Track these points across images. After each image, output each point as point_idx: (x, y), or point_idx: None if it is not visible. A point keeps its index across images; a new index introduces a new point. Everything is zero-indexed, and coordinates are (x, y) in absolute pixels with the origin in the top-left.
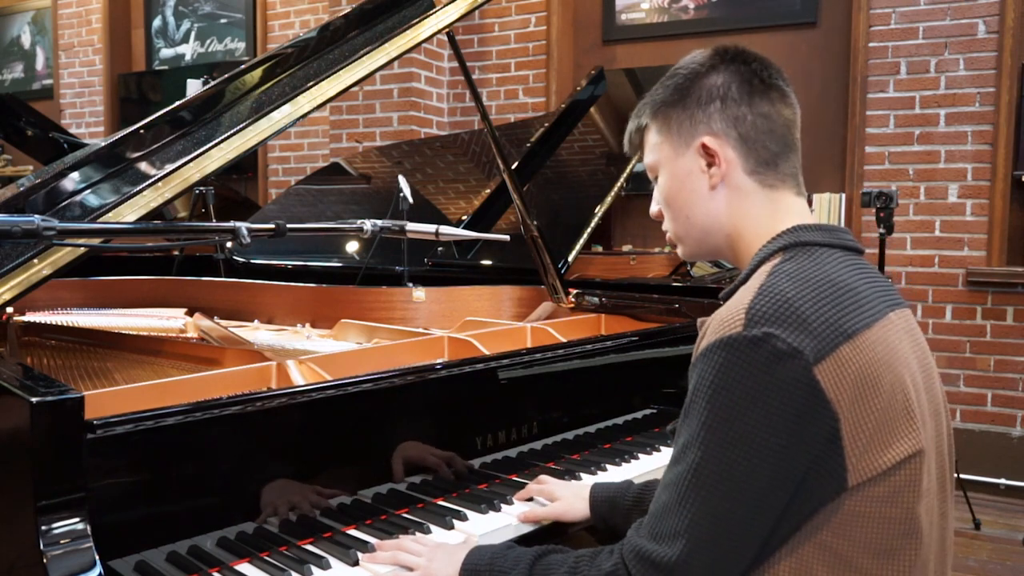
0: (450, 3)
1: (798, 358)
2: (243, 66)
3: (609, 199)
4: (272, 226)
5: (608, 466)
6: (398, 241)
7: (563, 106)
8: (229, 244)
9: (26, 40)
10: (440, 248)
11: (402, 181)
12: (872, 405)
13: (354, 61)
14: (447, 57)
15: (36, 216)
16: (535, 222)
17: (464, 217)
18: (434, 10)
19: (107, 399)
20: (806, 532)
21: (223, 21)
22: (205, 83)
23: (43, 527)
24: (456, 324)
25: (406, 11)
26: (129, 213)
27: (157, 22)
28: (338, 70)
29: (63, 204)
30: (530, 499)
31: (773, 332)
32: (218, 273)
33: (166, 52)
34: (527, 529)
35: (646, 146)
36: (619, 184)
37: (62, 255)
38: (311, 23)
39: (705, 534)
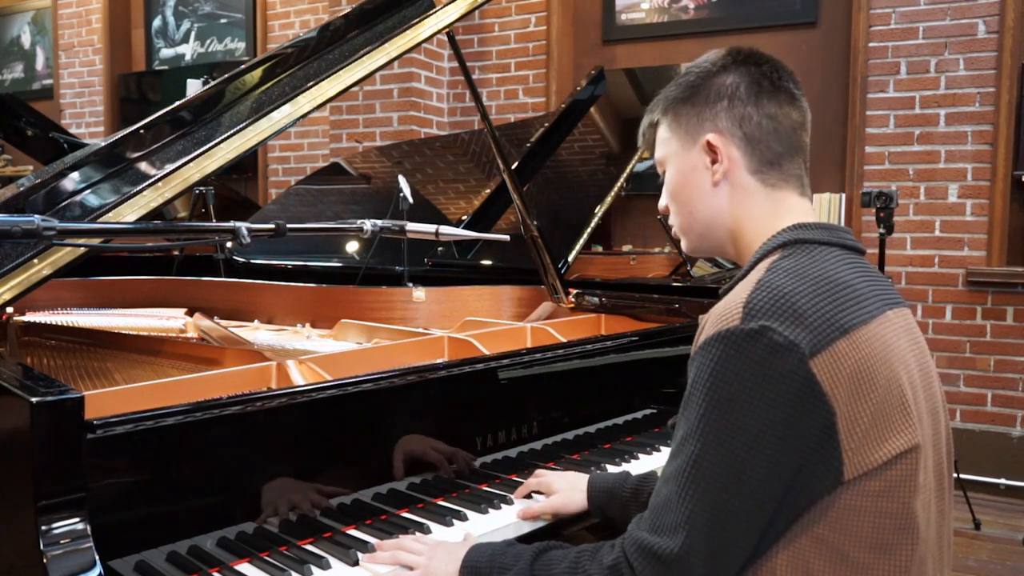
0: (450, 3)
1: (794, 351)
2: (243, 66)
3: (609, 199)
4: (272, 226)
5: (608, 466)
6: (398, 241)
7: (563, 106)
8: (229, 244)
9: (26, 40)
10: (440, 248)
11: (402, 181)
12: (868, 400)
13: (354, 61)
14: (447, 57)
15: (36, 216)
16: (535, 222)
17: (464, 217)
18: (434, 10)
19: (107, 399)
20: (803, 525)
21: (223, 21)
22: (205, 83)
23: (43, 527)
24: (456, 324)
25: (406, 11)
26: (129, 213)
27: (157, 22)
28: (338, 70)
29: (63, 204)
30: (529, 496)
31: (770, 325)
32: (218, 273)
33: (166, 52)
34: (527, 528)
35: (657, 141)
36: (619, 184)
37: (62, 255)
38: (311, 23)
39: (704, 525)
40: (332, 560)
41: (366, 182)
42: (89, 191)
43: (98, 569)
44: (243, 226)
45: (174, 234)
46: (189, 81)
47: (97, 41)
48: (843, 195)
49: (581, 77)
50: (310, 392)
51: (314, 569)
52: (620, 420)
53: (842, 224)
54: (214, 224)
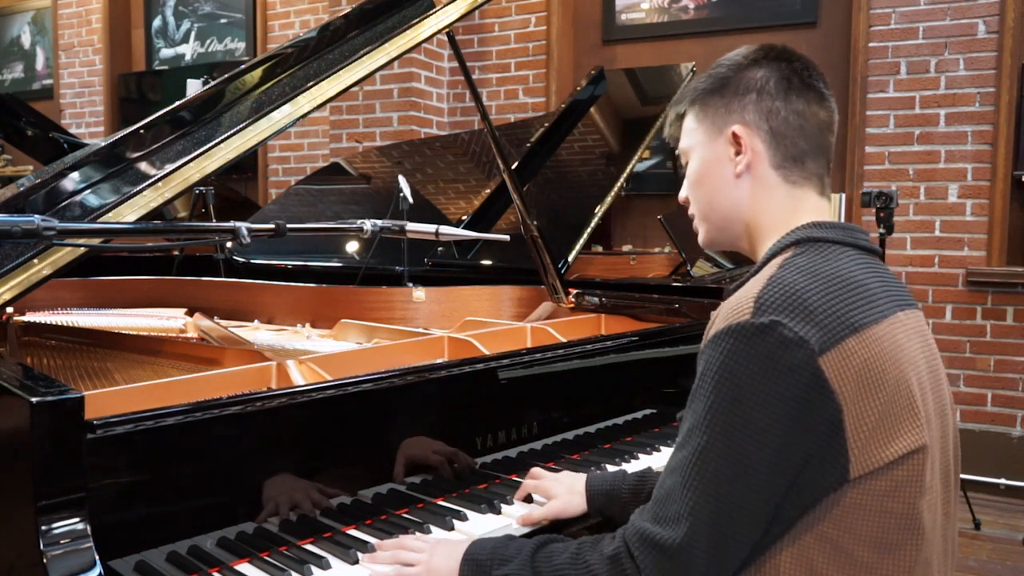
0: (450, 3)
1: (803, 347)
2: (243, 66)
3: (609, 199)
4: (272, 226)
5: (608, 466)
6: (398, 241)
7: (563, 106)
8: (229, 244)
9: (26, 40)
10: (440, 248)
11: (402, 181)
12: (876, 398)
13: (354, 61)
14: (447, 57)
15: (36, 216)
16: (535, 222)
17: (464, 217)
18: (434, 10)
19: (107, 399)
20: (807, 522)
21: (223, 21)
22: (205, 83)
23: (43, 527)
24: (456, 324)
25: (406, 11)
26: (129, 213)
27: (157, 22)
28: (338, 70)
29: (63, 204)
30: (527, 497)
31: (780, 320)
32: (218, 273)
33: (166, 52)
34: (527, 530)
35: (683, 132)
36: (619, 184)
37: (62, 255)
38: (311, 23)
39: (708, 517)
40: (332, 560)
41: (366, 182)
42: (89, 191)
43: (98, 569)
44: (243, 226)
45: (174, 234)
46: (189, 81)
47: (97, 41)
48: (843, 195)
49: (581, 77)
50: (310, 392)
51: (314, 569)
52: (620, 420)
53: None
54: (214, 224)
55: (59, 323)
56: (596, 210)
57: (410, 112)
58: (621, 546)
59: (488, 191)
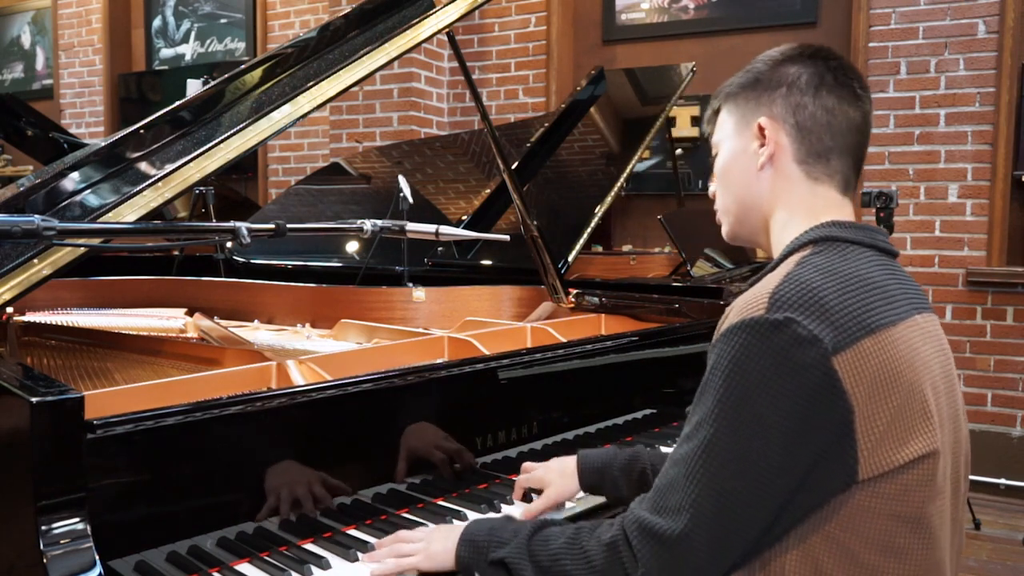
0: (450, 3)
1: (817, 345)
2: (243, 66)
3: (609, 199)
4: (272, 226)
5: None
6: (398, 241)
7: (563, 106)
8: (229, 244)
9: (26, 40)
10: (440, 248)
11: (402, 181)
12: (888, 401)
13: (354, 61)
14: (447, 57)
15: (36, 216)
16: (535, 222)
17: (464, 217)
18: (434, 10)
19: (107, 399)
20: (814, 522)
21: (223, 21)
22: (205, 83)
23: (43, 527)
24: (456, 324)
25: (406, 11)
26: (129, 213)
27: (157, 22)
28: (338, 70)
29: (63, 204)
30: (525, 495)
31: (794, 318)
32: (218, 273)
33: (166, 52)
34: None
35: (716, 126)
36: (619, 184)
37: (62, 255)
38: (311, 23)
39: (709, 511)
40: (332, 560)
41: (366, 182)
42: (89, 191)
43: (98, 569)
44: (243, 226)
45: (174, 234)
46: (189, 81)
47: (97, 41)
48: None
49: (581, 77)
50: (310, 392)
51: (314, 569)
52: (620, 420)
53: None
54: (214, 224)
55: (59, 323)
56: (596, 210)
57: (410, 112)
58: (619, 534)
59: (488, 191)
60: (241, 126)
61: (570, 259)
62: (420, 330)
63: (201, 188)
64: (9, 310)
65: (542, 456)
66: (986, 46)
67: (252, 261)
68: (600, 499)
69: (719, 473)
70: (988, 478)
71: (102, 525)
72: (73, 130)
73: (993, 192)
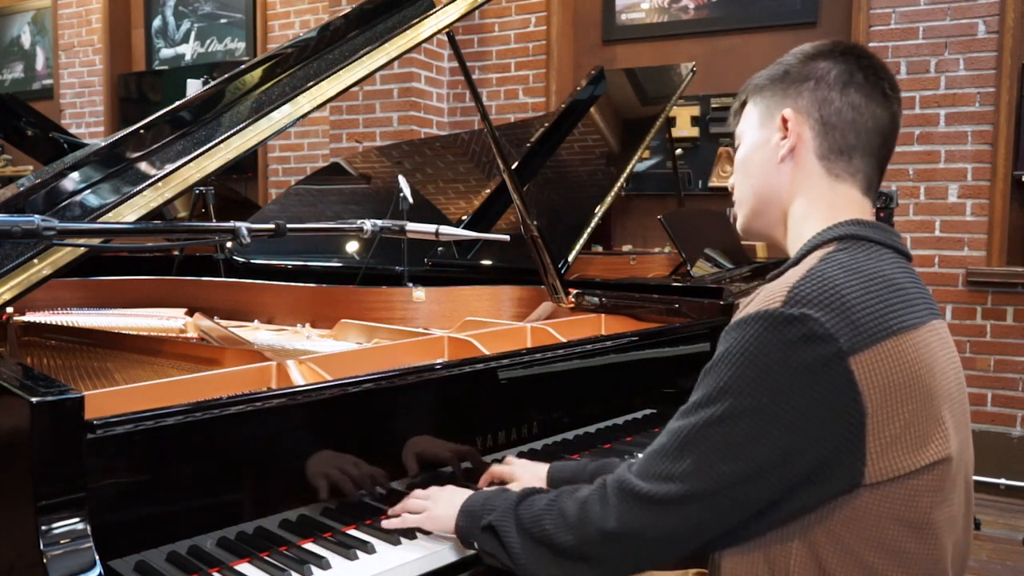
0: (450, 3)
1: (830, 344)
2: (243, 66)
3: (609, 199)
4: (272, 226)
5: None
6: (398, 241)
7: (563, 106)
8: (229, 244)
9: (26, 40)
10: (440, 248)
11: (402, 181)
12: (904, 406)
13: (354, 61)
14: (447, 57)
15: (36, 216)
16: (535, 222)
17: (464, 217)
18: (434, 10)
19: (107, 399)
20: (816, 518)
21: (223, 21)
22: (205, 83)
23: (43, 527)
24: (456, 324)
25: (406, 11)
26: (129, 213)
27: (157, 22)
28: (338, 70)
29: (63, 204)
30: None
31: (811, 314)
32: (218, 273)
33: (166, 52)
34: None
35: (741, 116)
36: (619, 184)
37: (62, 255)
38: (311, 23)
39: (694, 488)
40: (332, 560)
41: (366, 182)
42: (89, 191)
43: (98, 569)
44: (243, 226)
45: (174, 234)
46: (189, 81)
47: (97, 41)
48: None
49: (581, 77)
50: (310, 392)
51: (314, 569)
52: (620, 420)
53: None
54: (214, 224)
55: (59, 323)
56: (596, 210)
57: (410, 112)
58: (595, 492)
59: (488, 191)
60: (241, 126)
61: (570, 259)
62: (420, 330)
63: (201, 188)
64: (9, 310)
65: (542, 456)
66: (986, 46)
67: (252, 261)
68: None
69: (709, 454)
70: (988, 478)
71: (102, 525)
72: (73, 130)
73: (993, 192)
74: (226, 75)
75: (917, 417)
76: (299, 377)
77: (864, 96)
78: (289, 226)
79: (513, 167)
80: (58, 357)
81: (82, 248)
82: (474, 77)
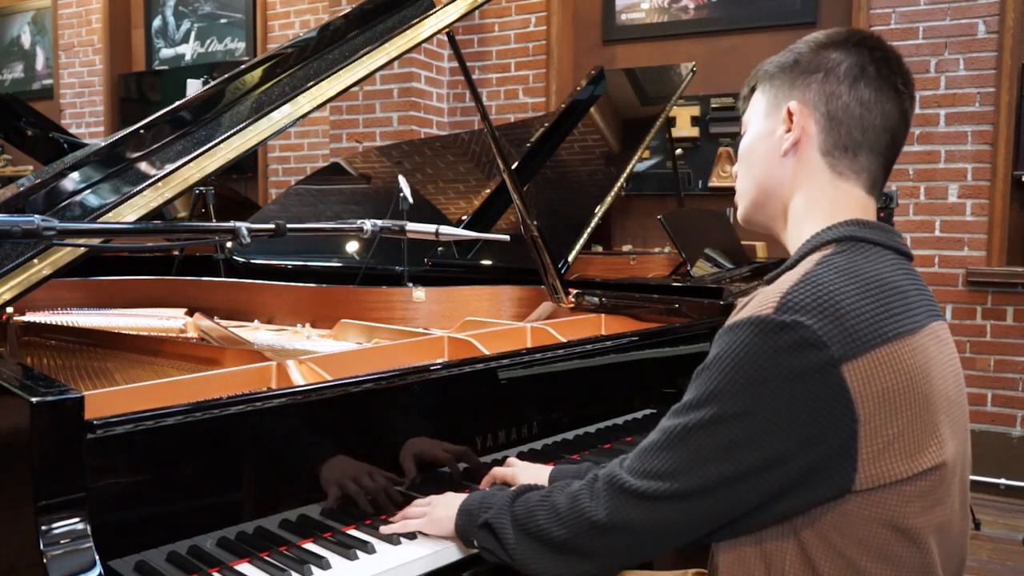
0: (450, 3)
1: (822, 351)
2: (243, 66)
3: (609, 199)
4: (272, 226)
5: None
6: (398, 241)
7: (563, 106)
8: (229, 244)
9: (26, 40)
10: (440, 248)
11: (402, 181)
12: (900, 413)
13: (354, 61)
14: (447, 57)
15: (36, 216)
16: (535, 222)
17: (464, 217)
18: (434, 10)
19: (107, 399)
20: (807, 521)
21: (223, 21)
22: (205, 83)
23: (43, 527)
24: (456, 324)
25: (406, 11)
26: (129, 213)
27: (157, 22)
28: (338, 70)
29: (63, 204)
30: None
31: (803, 321)
32: (218, 273)
33: (166, 52)
34: None
35: (749, 103)
36: (619, 184)
37: (62, 255)
38: (311, 23)
39: (682, 487)
40: (332, 560)
41: (366, 182)
42: (89, 191)
43: (98, 569)
44: (243, 226)
45: (174, 234)
46: (189, 81)
47: (97, 41)
48: None
49: (581, 77)
50: (310, 392)
51: (314, 569)
52: (620, 420)
53: None
54: (214, 224)
55: (59, 323)
56: (596, 210)
57: (410, 112)
58: (585, 485)
59: (488, 191)
60: (241, 126)
61: (570, 259)
62: (420, 330)
63: (201, 188)
64: (9, 310)
65: (542, 456)
66: (986, 46)
67: (252, 261)
68: None
69: (698, 455)
70: (988, 478)
71: (102, 525)
72: (73, 130)
73: (993, 192)
74: (226, 75)
75: (912, 425)
76: (299, 377)
77: (874, 91)
78: (289, 226)
79: (513, 167)
80: (58, 357)
81: (82, 248)
82: (474, 77)
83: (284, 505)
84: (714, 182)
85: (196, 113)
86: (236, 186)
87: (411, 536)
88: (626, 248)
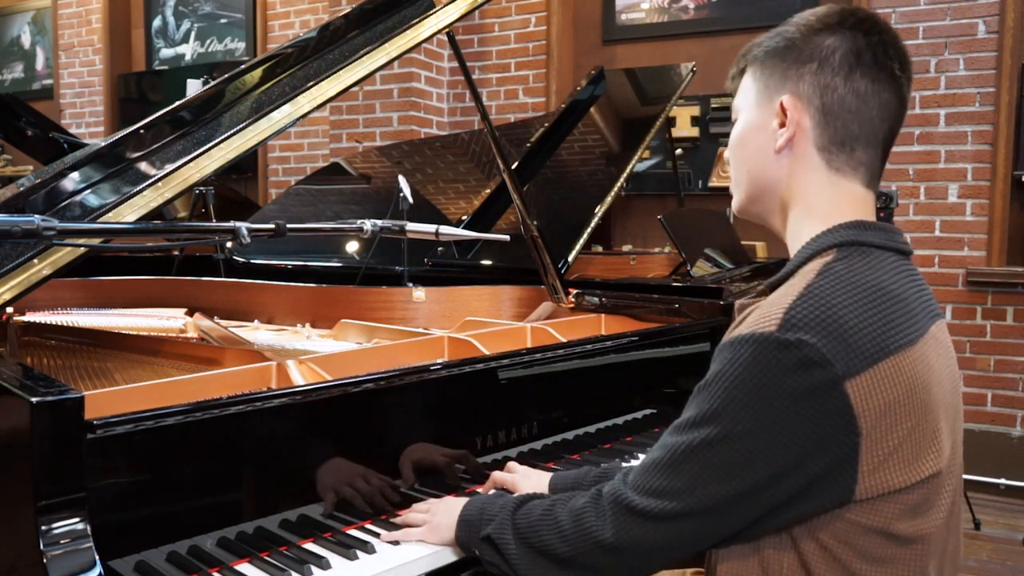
0: (450, 3)
1: (827, 369)
2: (243, 66)
3: (609, 199)
4: (272, 226)
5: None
6: (398, 241)
7: (563, 106)
8: (229, 244)
9: (26, 40)
10: (440, 248)
11: (402, 181)
12: (900, 425)
13: (354, 61)
14: (447, 57)
15: (36, 216)
16: (535, 222)
17: (464, 217)
18: (434, 10)
19: (107, 399)
20: (805, 529)
21: (223, 21)
22: (205, 83)
23: (43, 527)
24: (456, 324)
25: (406, 11)
26: (129, 213)
27: (157, 22)
28: (338, 70)
29: (63, 204)
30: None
31: (806, 339)
32: (218, 273)
33: (166, 52)
34: None
35: (739, 88)
36: (619, 184)
37: (62, 255)
38: (311, 23)
39: (688, 506)
40: (332, 560)
41: (366, 182)
42: (89, 191)
43: (98, 569)
44: (243, 226)
45: (174, 234)
46: (189, 81)
47: (97, 41)
48: None
49: (581, 77)
50: (310, 392)
51: (314, 569)
52: (620, 420)
53: None
54: (214, 224)
55: (59, 323)
56: (596, 210)
57: (410, 112)
58: (589, 503)
59: (488, 191)
60: (241, 126)
61: (570, 259)
62: (420, 330)
63: (201, 188)
64: (9, 310)
65: (542, 456)
66: (986, 46)
67: (252, 261)
68: None
69: (703, 474)
70: (988, 478)
71: (102, 525)
72: (73, 130)
73: (993, 192)
74: (226, 75)
75: (912, 434)
76: (299, 377)
77: (871, 81)
78: (289, 226)
79: (513, 167)
80: (58, 357)
81: (82, 248)
82: (474, 77)
83: (284, 505)
84: (714, 182)
85: (196, 113)
86: (236, 186)
87: None
88: (626, 248)
